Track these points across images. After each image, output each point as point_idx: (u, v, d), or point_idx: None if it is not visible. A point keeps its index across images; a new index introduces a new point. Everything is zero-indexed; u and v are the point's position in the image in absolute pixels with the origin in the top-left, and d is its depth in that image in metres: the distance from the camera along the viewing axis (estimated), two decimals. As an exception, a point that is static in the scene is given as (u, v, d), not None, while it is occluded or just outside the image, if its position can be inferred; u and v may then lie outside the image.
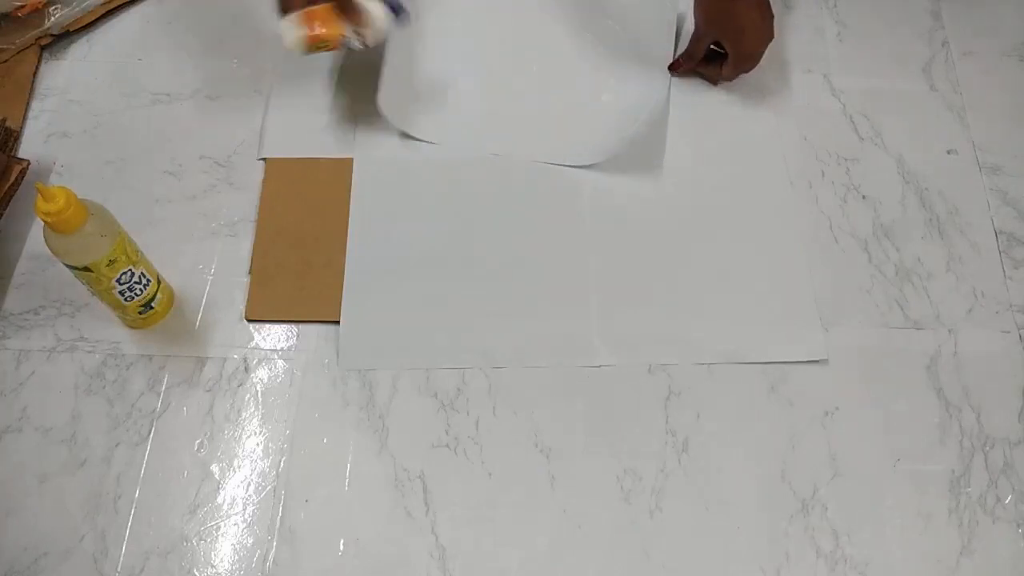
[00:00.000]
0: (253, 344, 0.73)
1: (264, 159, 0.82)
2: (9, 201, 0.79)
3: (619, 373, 0.72)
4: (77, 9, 0.89)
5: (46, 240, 0.62)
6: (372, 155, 0.82)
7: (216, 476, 0.68)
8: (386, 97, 0.79)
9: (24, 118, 0.84)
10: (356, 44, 0.73)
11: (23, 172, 0.80)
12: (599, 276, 0.76)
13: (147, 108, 0.85)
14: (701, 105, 0.85)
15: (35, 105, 0.86)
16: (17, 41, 0.88)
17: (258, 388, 0.72)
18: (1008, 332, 0.75)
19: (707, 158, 0.83)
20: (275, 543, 0.66)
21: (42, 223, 0.60)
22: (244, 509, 0.67)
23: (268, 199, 0.80)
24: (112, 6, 0.90)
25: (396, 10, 0.74)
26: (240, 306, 0.75)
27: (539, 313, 0.75)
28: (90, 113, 0.85)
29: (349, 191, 0.80)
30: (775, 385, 0.72)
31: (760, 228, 0.79)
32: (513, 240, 0.78)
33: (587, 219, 0.79)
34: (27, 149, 0.83)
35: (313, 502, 0.67)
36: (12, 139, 0.82)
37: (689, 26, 0.85)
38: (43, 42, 0.87)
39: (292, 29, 0.71)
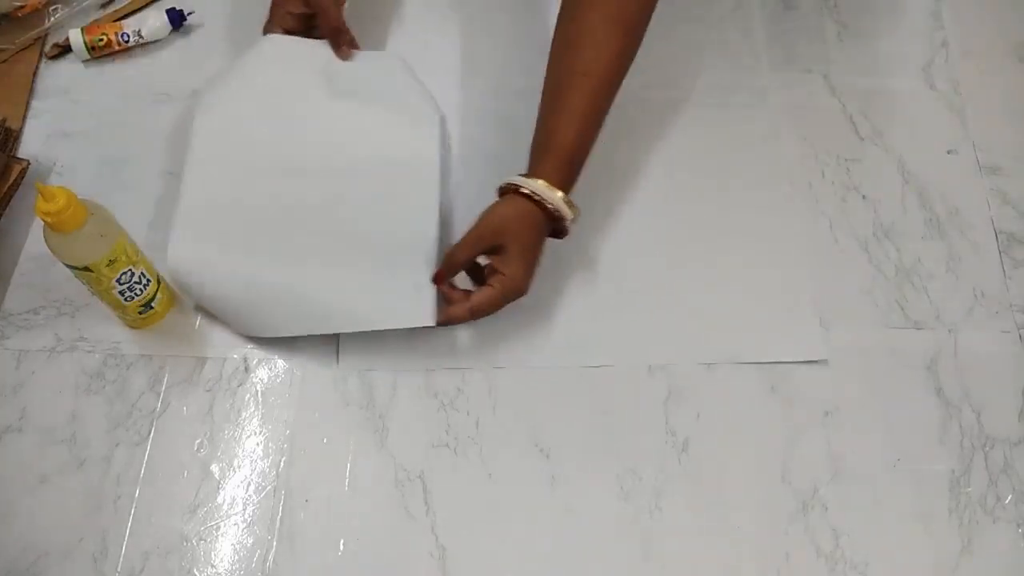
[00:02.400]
0: (253, 344, 0.73)
1: (264, 159, 0.82)
2: (9, 201, 0.79)
3: (619, 373, 0.72)
4: (77, 9, 0.90)
5: (46, 240, 0.62)
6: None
7: (216, 476, 0.68)
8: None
9: (24, 118, 0.84)
10: (134, 39, 0.87)
11: (23, 172, 0.80)
12: (599, 276, 0.76)
13: (147, 108, 0.85)
14: (701, 106, 0.85)
15: (35, 105, 0.85)
16: (17, 41, 0.88)
17: (258, 388, 0.72)
18: (1008, 332, 0.75)
19: (707, 158, 0.82)
20: (275, 543, 0.66)
21: (42, 223, 0.60)
22: (244, 509, 0.67)
23: (268, 199, 0.80)
24: (135, 7, 0.90)
25: (177, 20, 0.87)
26: (240, 306, 0.75)
27: (539, 313, 0.75)
28: (90, 113, 0.85)
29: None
30: (775, 385, 0.72)
31: (760, 228, 0.79)
32: None
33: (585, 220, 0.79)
34: (27, 149, 0.83)
35: (313, 502, 0.67)
36: (12, 139, 0.82)
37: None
38: (50, 54, 0.88)
39: (77, 34, 0.85)
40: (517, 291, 0.68)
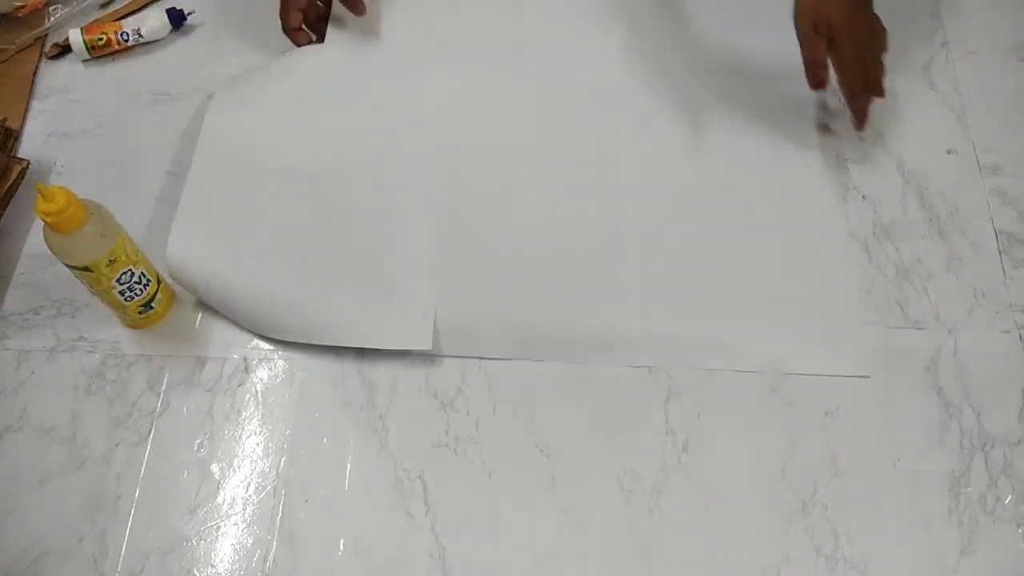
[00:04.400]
0: (253, 344, 0.73)
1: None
2: (9, 201, 0.79)
3: (619, 373, 0.72)
4: (77, 9, 0.90)
5: (46, 240, 0.62)
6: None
7: (216, 476, 0.68)
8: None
9: (24, 118, 0.85)
10: (133, 38, 0.87)
11: (23, 172, 0.80)
12: (642, 278, 0.75)
13: (147, 108, 0.85)
14: (729, 113, 0.84)
15: (35, 105, 0.86)
16: (17, 41, 0.88)
17: (258, 388, 0.72)
18: (1008, 332, 0.75)
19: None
20: (275, 543, 0.66)
21: (42, 223, 0.60)
22: (244, 509, 0.67)
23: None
24: (135, 7, 0.90)
25: (177, 20, 0.88)
26: (240, 306, 0.75)
27: (579, 312, 0.74)
28: (90, 113, 0.85)
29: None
30: (775, 385, 0.72)
31: (805, 240, 0.77)
32: (548, 236, 0.77)
33: (625, 225, 0.78)
34: (27, 149, 0.83)
35: (313, 502, 0.67)
36: (12, 139, 0.82)
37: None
38: (50, 53, 0.88)
39: (77, 34, 0.86)
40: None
